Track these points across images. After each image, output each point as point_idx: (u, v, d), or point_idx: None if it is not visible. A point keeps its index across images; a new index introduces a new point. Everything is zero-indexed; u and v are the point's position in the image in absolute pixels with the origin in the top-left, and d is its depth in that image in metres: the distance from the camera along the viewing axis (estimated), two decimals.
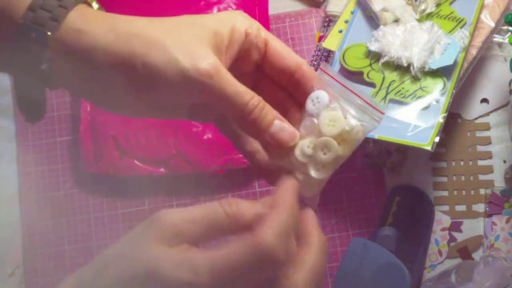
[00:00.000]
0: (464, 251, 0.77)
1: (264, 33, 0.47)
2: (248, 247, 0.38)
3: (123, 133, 0.77)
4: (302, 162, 0.46)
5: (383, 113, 0.47)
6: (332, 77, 0.48)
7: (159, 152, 0.77)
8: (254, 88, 0.48)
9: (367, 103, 0.47)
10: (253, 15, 0.81)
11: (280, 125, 0.45)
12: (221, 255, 0.38)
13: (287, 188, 0.43)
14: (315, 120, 0.46)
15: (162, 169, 0.78)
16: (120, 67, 0.43)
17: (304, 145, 0.46)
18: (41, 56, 0.43)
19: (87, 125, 0.78)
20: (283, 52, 0.48)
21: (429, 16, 0.73)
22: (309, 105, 0.47)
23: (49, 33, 0.43)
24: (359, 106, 0.47)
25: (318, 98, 0.47)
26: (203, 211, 0.41)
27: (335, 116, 0.46)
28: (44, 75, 0.44)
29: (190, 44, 0.43)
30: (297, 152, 0.46)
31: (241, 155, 0.77)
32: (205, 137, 0.77)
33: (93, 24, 0.44)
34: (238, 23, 0.46)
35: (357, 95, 0.47)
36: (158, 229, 0.40)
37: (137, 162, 0.77)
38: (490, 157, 0.80)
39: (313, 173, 0.46)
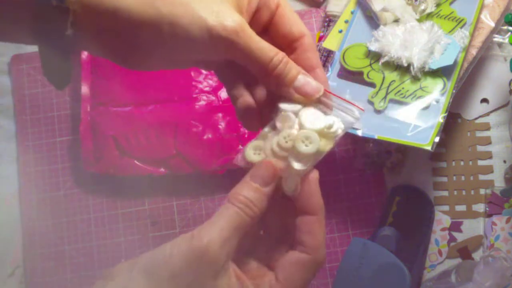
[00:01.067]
0: (464, 251, 0.77)
1: None
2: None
3: (123, 133, 0.77)
4: (282, 155, 0.46)
5: (362, 110, 0.48)
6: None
7: (159, 152, 0.77)
8: None
9: (346, 100, 0.48)
10: None
11: (304, 79, 0.47)
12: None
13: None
14: (292, 115, 0.47)
15: (162, 169, 0.78)
16: (146, 28, 0.44)
17: (280, 139, 0.46)
18: (64, 23, 0.43)
19: (87, 125, 0.78)
20: (291, 18, 0.49)
21: (429, 16, 0.73)
22: (283, 103, 0.47)
23: None
24: (338, 104, 0.48)
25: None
26: (232, 225, 0.42)
27: (313, 112, 0.47)
28: (69, 40, 0.44)
29: (215, 3, 0.44)
30: (274, 146, 0.46)
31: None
32: (205, 137, 0.77)
33: None
34: None
35: (335, 95, 0.48)
36: (209, 268, 0.41)
37: (137, 162, 0.77)
38: (490, 157, 0.80)
39: (295, 164, 0.46)
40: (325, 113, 0.47)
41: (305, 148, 0.46)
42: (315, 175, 0.47)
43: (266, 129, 0.48)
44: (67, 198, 0.80)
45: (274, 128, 0.48)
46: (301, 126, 0.47)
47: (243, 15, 0.46)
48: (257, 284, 0.44)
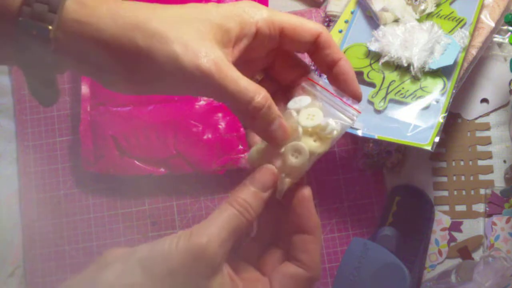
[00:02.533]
0: (464, 251, 0.77)
1: (278, 20, 0.47)
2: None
3: (123, 133, 0.77)
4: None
5: (359, 112, 0.48)
6: (312, 80, 0.49)
7: (159, 152, 0.77)
8: (267, 68, 0.48)
9: (344, 102, 0.48)
10: None
11: (279, 123, 0.45)
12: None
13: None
14: (294, 113, 0.47)
15: (162, 169, 0.78)
16: (124, 59, 0.43)
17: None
18: (45, 51, 0.43)
19: (87, 125, 0.78)
20: (300, 26, 0.47)
21: (429, 16, 0.73)
22: (291, 103, 0.48)
23: (50, 27, 0.42)
24: (336, 105, 0.48)
25: (301, 100, 0.48)
26: (230, 226, 0.42)
27: (314, 111, 0.47)
28: (52, 65, 0.44)
29: (192, 39, 0.43)
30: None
31: (241, 155, 0.77)
32: (205, 137, 0.77)
33: (94, 13, 0.43)
34: (247, 15, 0.46)
35: (333, 94, 0.48)
36: (206, 267, 0.41)
37: (137, 162, 0.77)
38: (490, 157, 0.80)
39: (285, 180, 0.47)
40: (327, 112, 0.47)
41: (295, 161, 0.46)
42: (308, 192, 0.46)
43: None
44: (67, 198, 0.80)
45: None
46: (297, 123, 0.47)
47: (228, 50, 0.45)
48: (249, 287, 0.44)
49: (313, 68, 0.73)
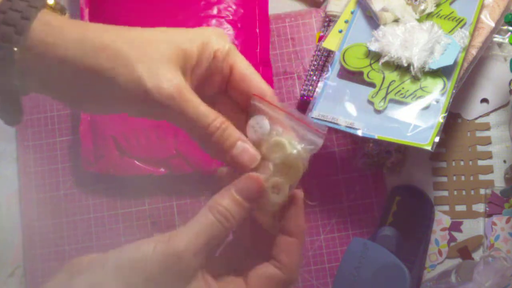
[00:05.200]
0: (464, 251, 0.77)
1: (232, 58, 0.47)
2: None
3: (123, 133, 0.77)
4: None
5: (324, 133, 0.46)
6: (268, 102, 0.46)
7: (159, 152, 0.77)
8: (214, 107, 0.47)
9: (308, 125, 0.46)
10: (253, 15, 0.81)
11: (242, 146, 0.44)
12: None
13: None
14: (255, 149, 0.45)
15: (162, 169, 0.78)
16: (88, 80, 0.43)
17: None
18: (10, 71, 0.43)
19: (87, 125, 0.78)
20: (250, 79, 0.47)
21: (429, 16, 0.73)
22: (251, 132, 0.46)
23: (15, 49, 0.42)
24: (300, 129, 0.46)
25: (259, 124, 0.46)
26: (208, 234, 0.42)
27: (279, 142, 0.45)
28: (14, 86, 0.44)
29: (156, 62, 0.43)
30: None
31: None
32: None
33: (60, 35, 0.43)
34: (210, 42, 0.46)
35: (294, 117, 0.46)
36: (180, 274, 0.41)
37: (137, 162, 0.77)
38: (490, 157, 0.80)
39: (267, 211, 0.46)
40: (289, 140, 0.45)
41: (275, 197, 0.44)
42: (299, 195, 0.46)
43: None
44: (67, 198, 0.80)
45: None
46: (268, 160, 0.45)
47: (188, 76, 0.45)
48: None
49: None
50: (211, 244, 0.42)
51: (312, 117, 0.70)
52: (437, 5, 0.73)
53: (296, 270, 0.45)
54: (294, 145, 0.45)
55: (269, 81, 0.80)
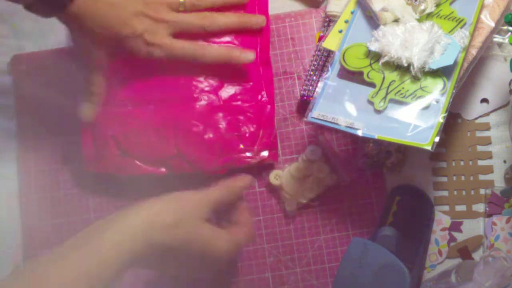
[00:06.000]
0: (464, 251, 0.77)
1: None
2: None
3: (123, 133, 0.77)
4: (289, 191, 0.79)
5: (350, 176, 0.79)
6: (327, 141, 0.79)
7: (160, 152, 0.77)
8: None
9: (342, 165, 0.79)
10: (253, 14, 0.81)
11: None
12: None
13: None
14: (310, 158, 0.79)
15: (163, 169, 0.78)
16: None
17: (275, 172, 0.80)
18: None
19: (87, 125, 0.78)
20: None
21: (429, 16, 0.73)
22: (307, 152, 0.79)
23: None
24: (334, 165, 0.79)
25: (314, 151, 0.78)
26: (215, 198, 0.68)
27: (323, 166, 0.78)
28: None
29: None
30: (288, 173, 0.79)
31: (242, 155, 0.77)
32: (206, 136, 0.77)
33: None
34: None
35: (337, 157, 0.79)
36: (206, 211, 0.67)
37: (137, 162, 0.77)
38: (490, 157, 0.80)
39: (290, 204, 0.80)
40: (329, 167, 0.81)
41: (308, 195, 0.79)
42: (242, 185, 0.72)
43: (287, 165, 0.80)
44: (67, 198, 0.80)
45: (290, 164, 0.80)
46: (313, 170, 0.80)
47: None
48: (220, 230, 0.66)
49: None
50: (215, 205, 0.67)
51: (312, 117, 0.70)
52: (437, 5, 0.73)
53: (250, 229, 0.70)
54: (331, 175, 0.79)
55: (269, 81, 0.80)
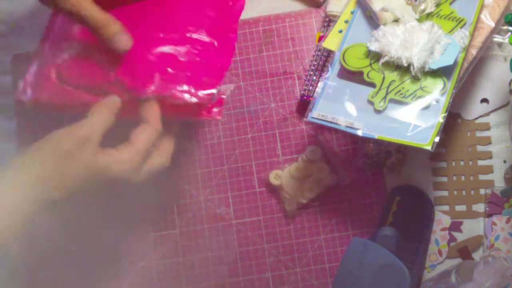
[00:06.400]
0: (464, 251, 0.77)
1: None
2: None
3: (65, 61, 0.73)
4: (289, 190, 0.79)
5: (350, 176, 0.80)
6: (327, 141, 0.79)
7: (97, 78, 0.71)
8: None
9: (342, 165, 0.79)
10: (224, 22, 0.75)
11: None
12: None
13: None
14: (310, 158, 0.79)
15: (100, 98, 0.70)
16: None
17: (277, 172, 0.80)
18: None
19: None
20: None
21: (429, 16, 0.73)
22: (308, 153, 0.79)
23: None
24: (334, 165, 0.79)
25: (314, 151, 0.79)
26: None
27: (323, 166, 0.79)
28: None
29: None
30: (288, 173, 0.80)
31: (179, 88, 0.69)
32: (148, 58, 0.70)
33: None
34: None
35: (337, 157, 0.79)
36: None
37: (75, 91, 0.72)
38: (490, 157, 0.80)
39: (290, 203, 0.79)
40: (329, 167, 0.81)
41: (303, 198, 0.79)
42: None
43: (287, 165, 0.80)
44: None
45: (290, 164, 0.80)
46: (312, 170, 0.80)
47: None
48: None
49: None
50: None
51: (312, 117, 0.70)
52: (437, 5, 0.73)
53: (157, 122, 0.66)
54: (328, 173, 0.79)
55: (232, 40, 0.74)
